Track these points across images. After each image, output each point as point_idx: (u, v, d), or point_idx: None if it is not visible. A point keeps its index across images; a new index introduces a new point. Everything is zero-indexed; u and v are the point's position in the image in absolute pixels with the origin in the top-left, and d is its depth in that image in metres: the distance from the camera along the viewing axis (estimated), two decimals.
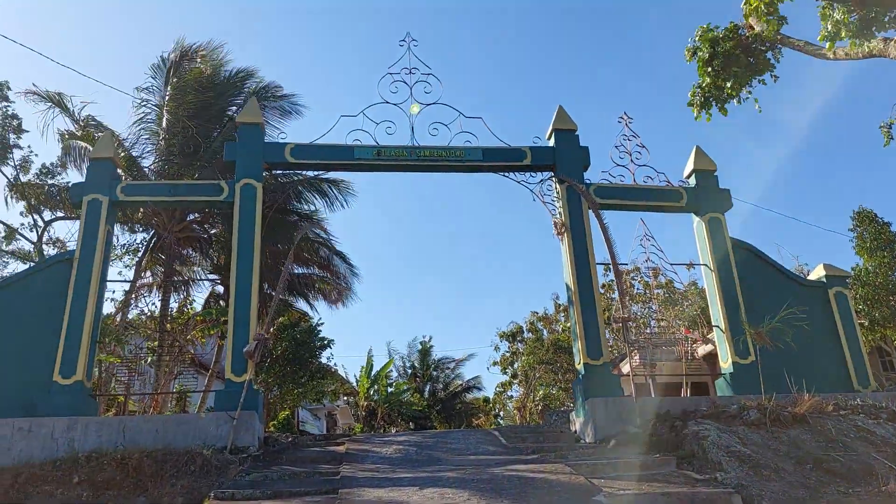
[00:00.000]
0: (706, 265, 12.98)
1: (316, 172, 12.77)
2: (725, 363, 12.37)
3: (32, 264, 13.99)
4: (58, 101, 14.96)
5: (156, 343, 13.32)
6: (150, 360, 13.15)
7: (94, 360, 11.25)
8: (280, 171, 13.88)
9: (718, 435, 8.48)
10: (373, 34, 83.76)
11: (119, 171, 12.36)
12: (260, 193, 12.07)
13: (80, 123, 14.89)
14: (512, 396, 36.19)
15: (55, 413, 10.17)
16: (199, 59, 15.94)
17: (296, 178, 15.53)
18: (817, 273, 13.43)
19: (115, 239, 15.87)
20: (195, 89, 15.53)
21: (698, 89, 7.80)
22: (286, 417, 16.45)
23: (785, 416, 9.10)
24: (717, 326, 12.62)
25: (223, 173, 13.20)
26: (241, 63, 20.39)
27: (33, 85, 14.71)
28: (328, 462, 9.54)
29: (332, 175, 16.04)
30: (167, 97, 15.21)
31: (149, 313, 13.78)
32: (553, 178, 12.98)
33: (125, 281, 14.32)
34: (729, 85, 7.37)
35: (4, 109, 15.64)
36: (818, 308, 12.74)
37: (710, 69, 7.39)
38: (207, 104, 15.42)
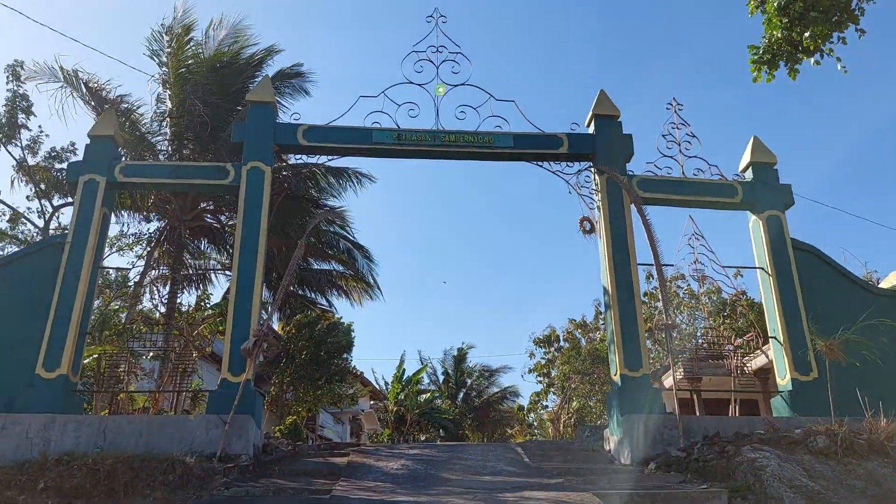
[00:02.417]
0: (763, 269, 11.57)
1: (330, 157, 11.70)
2: (783, 380, 10.95)
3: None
4: (71, 81, 14.18)
5: (158, 338, 12.40)
6: (151, 355, 12.26)
7: (83, 352, 10.36)
8: (296, 156, 12.84)
9: (779, 465, 7.12)
10: (398, 10, 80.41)
11: (121, 150, 11.51)
12: (268, 177, 11.07)
13: (93, 104, 14.11)
14: (547, 406, 34.77)
15: (35, 409, 9.30)
16: (215, 34, 15.08)
17: (316, 164, 14.53)
18: (890, 281, 11.92)
19: (125, 228, 15.13)
20: (212, 69, 14.67)
21: (765, 43, 6.46)
22: (293, 422, 15.44)
23: (860, 445, 7.69)
24: (775, 338, 11.20)
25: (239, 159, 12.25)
26: (263, 40, 19.44)
27: (38, 62, 13.78)
28: (325, 476, 8.44)
29: (352, 163, 15.09)
30: (177, 75, 14.31)
31: (155, 307, 12.93)
32: (592, 169, 11.73)
33: (120, 268, 13.52)
34: (807, 35, 6.04)
35: (15, 89, 15.05)
36: (892, 320, 11.19)
37: (784, 18, 6.05)
38: (224, 85, 14.55)
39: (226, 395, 9.58)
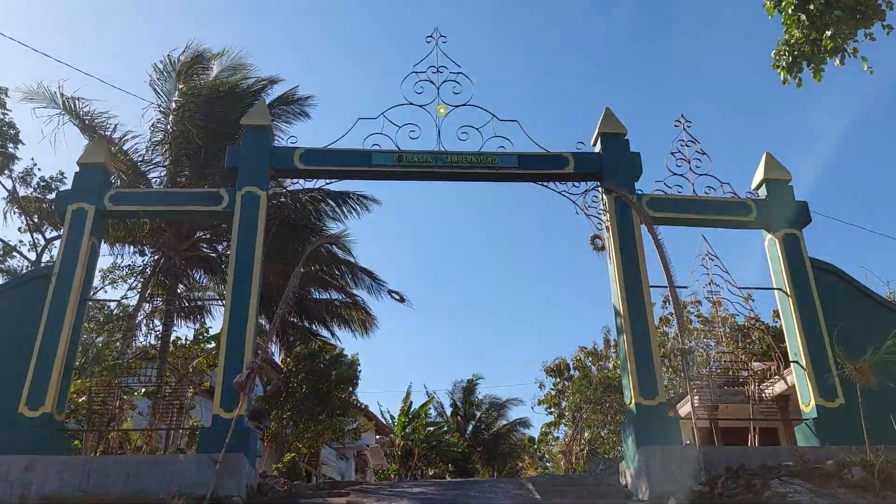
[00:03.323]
0: (781, 289, 11.05)
1: (329, 181, 11.33)
2: (807, 406, 10.36)
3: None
4: (70, 108, 13.77)
5: (153, 373, 11.88)
6: (143, 391, 11.75)
7: (69, 389, 9.88)
8: (293, 181, 12.47)
9: (812, 500, 6.57)
10: (399, 32, 78.79)
11: (113, 179, 11.15)
12: (264, 203, 10.68)
13: (89, 132, 13.71)
14: (558, 438, 33.95)
15: (17, 450, 8.81)
16: (215, 66, 14.84)
17: (317, 190, 14.16)
18: None
19: (120, 259, 14.70)
20: (211, 98, 14.38)
21: (785, 46, 6.05)
22: (292, 460, 14.84)
23: None
24: (797, 362, 10.64)
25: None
26: (262, 65, 19.28)
27: (40, 83, 13.38)
28: None
29: (355, 186, 14.74)
30: (176, 104, 14.02)
31: (151, 346, 12.42)
32: (599, 188, 11.31)
33: (110, 300, 13.02)
34: (829, 34, 5.61)
35: (2, 117, 14.68)
36: None
37: (803, 16, 5.63)
38: (224, 114, 14.23)
39: (218, 431, 9.08)
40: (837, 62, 5.98)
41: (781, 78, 6.16)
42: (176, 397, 11.50)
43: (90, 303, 11.56)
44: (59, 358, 9.55)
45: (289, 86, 15.59)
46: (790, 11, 5.67)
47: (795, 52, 5.90)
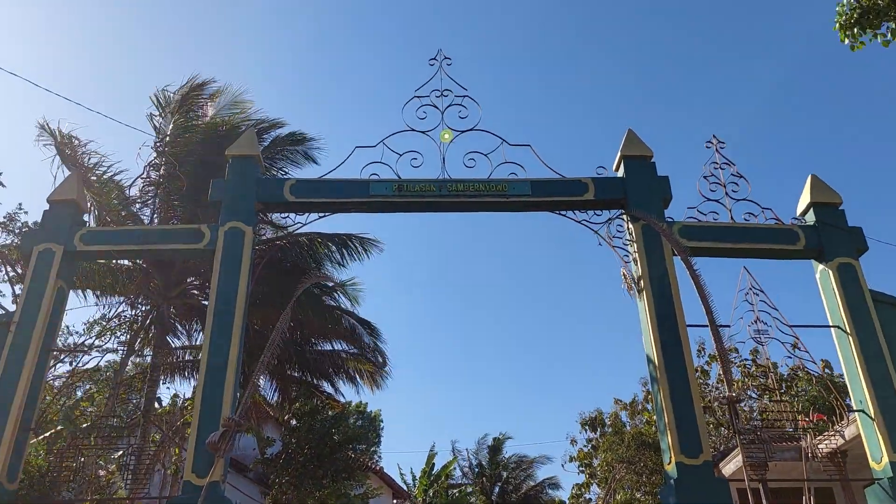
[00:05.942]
0: (839, 327, 9.63)
1: (322, 214, 10.22)
2: (879, 464, 8.83)
3: None
4: (68, 144, 12.87)
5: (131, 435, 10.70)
6: (120, 454, 10.54)
7: (24, 453, 8.69)
8: (283, 215, 11.38)
9: None
10: (400, 57, 74.52)
11: (86, 217, 10.18)
12: (249, 239, 9.61)
13: (83, 168, 12.83)
14: (590, 500, 31.84)
15: None
16: (213, 103, 14.07)
17: (318, 235, 13.11)
18: None
19: (107, 310, 13.66)
20: (209, 136, 13.55)
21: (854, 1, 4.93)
22: None
23: None
24: (863, 411, 9.14)
25: None
26: (259, 103, 18.59)
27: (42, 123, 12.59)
28: None
29: (356, 228, 13.66)
30: (170, 142, 13.17)
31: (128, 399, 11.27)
32: (624, 216, 10.10)
33: (72, 350, 11.86)
34: None
35: None
36: None
37: None
38: (222, 153, 13.42)
39: (188, 501, 7.82)
40: None
41: (840, 37, 5.04)
42: (160, 461, 10.33)
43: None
44: (14, 416, 8.39)
45: (291, 129, 14.78)
46: None
47: (866, 8, 4.74)
